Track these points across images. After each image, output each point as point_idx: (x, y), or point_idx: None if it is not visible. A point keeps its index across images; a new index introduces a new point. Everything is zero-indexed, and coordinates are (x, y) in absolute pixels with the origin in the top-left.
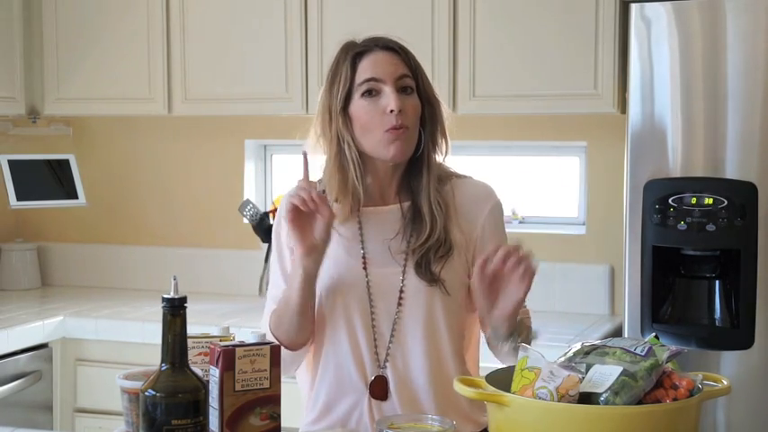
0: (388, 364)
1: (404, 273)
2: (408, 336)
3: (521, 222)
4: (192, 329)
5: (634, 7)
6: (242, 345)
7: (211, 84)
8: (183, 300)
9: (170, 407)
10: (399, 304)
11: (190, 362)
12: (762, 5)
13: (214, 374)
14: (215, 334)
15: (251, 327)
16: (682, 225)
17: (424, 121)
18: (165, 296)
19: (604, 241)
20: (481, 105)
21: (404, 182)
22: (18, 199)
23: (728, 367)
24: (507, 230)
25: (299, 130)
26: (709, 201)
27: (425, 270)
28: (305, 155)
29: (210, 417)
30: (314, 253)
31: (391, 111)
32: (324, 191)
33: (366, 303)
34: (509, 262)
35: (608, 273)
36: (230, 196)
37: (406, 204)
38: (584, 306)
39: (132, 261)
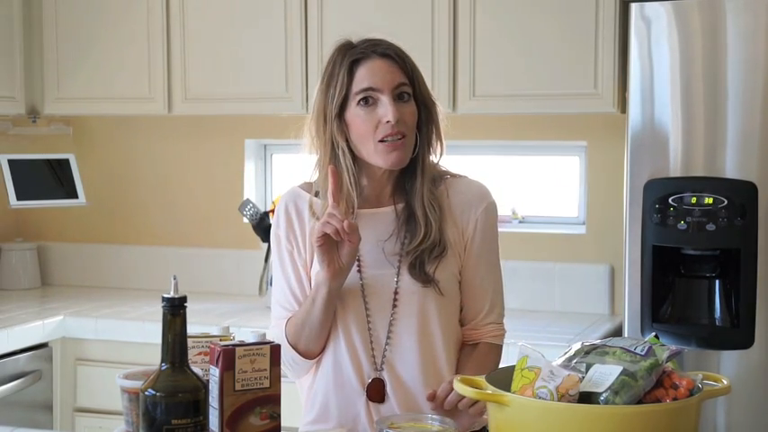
0: (384, 367)
1: (398, 274)
2: (404, 337)
3: (521, 222)
4: (191, 329)
5: (634, 7)
6: (242, 344)
7: (211, 83)
8: (183, 299)
9: (170, 406)
10: (394, 306)
11: (190, 361)
12: (762, 5)
13: (214, 374)
14: (215, 333)
15: (251, 326)
16: (682, 225)
17: (420, 124)
18: (165, 296)
19: (604, 241)
20: (481, 105)
21: (399, 184)
22: (18, 198)
23: (728, 367)
24: (508, 230)
25: (294, 128)
26: (709, 200)
27: (419, 271)
28: (333, 170)
29: (210, 416)
30: (340, 276)
31: (388, 122)
32: (318, 192)
33: (361, 305)
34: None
35: (608, 272)
36: (230, 196)
37: (401, 206)
38: (584, 306)
39: (132, 261)
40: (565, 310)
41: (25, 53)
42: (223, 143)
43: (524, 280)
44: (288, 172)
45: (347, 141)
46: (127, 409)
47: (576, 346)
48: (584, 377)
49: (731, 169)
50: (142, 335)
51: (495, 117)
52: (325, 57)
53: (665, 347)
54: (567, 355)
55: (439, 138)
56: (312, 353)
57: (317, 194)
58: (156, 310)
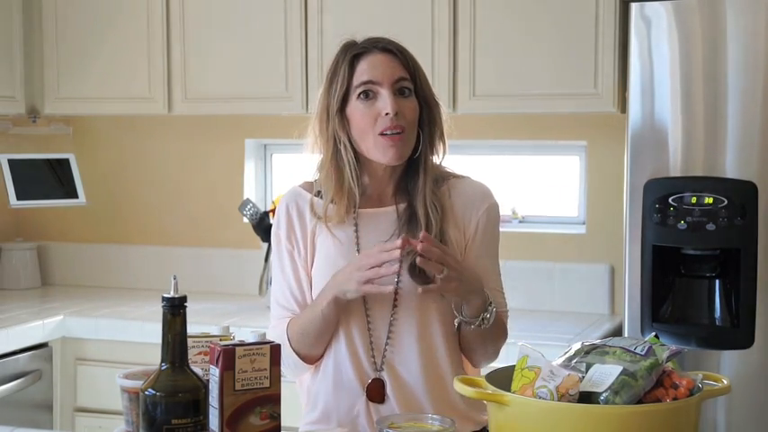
0: (384, 367)
1: (398, 275)
2: (404, 338)
3: (521, 222)
4: (191, 329)
5: (634, 7)
6: (242, 344)
7: (211, 83)
8: (183, 299)
9: (170, 406)
10: (394, 306)
11: (190, 361)
12: (762, 5)
13: (214, 374)
14: (215, 333)
15: (251, 326)
16: (682, 224)
17: (422, 123)
18: (165, 295)
19: (604, 241)
20: (481, 105)
21: (401, 183)
22: (18, 198)
23: (728, 367)
24: (508, 230)
25: (297, 128)
26: (709, 200)
27: (419, 273)
28: (404, 240)
29: (210, 416)
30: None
31: (387, 114)
32: (319, 192)
33: (361, 306)
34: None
35: (608, 272)
36: (230, 196)
37: (402, 206)
38: (584, 306)
39: (132, 261)
40: (565, 309)
41: (25, 53)
42: (223, 143)
43: (524, 280)
44: (288, 172)
45: (349, 137)
46: (127, 409)
47: (576, 345)
48: (584, 377)
49: (731, 169)
50: (142, 335)
51: (495, 117)
52: (325, 57)
53: (665, 347)
54: (567, 355)
55: (441, 138)
56: (314, 357)
57: (317, 194)
58: (156, 310)
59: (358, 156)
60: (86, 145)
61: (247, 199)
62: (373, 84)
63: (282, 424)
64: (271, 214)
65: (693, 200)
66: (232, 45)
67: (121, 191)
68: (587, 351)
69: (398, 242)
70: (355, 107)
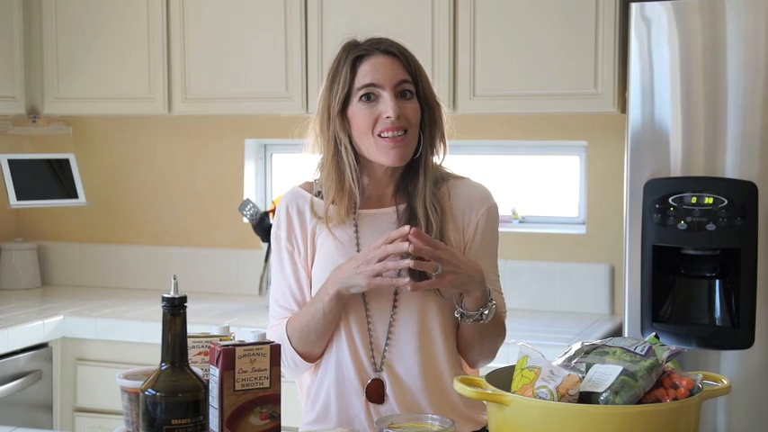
0: (383, 368)
1: (398, 275)
2: (403, 338)
3: (521, 222)
4: (191, 329)
5: (634, 7)
6: (242, 344)
7: (211, 83)
8: (183, 299)
9: (170, 406)
10: (394, 306)
11: (190, 361)
12: (762, 5)
13: (214, 374)
14: (215, 333)
15: (251, 326)
16: (682, 225)
17: (423, 124)
18: (165, 295)
19: (604, 241)
20: (481, 105)
21: (401, 184)
22: (18, 198)
23: (728, 367)
24: (508, 230)
25: (297, 128)
26: (709, 200)
27: (419, 273)
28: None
29: (210, 416)
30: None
31: (388, 117)
32: (319, 192)
33: (361, 306)
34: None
35: (608, 272)
36: (230, 196)
37: (402, 207)
38: (584, 306)
39: (132, 261)
40: (565, 310)
41: (25, 53)
42: (223, 143)
43: (524, 280)
44: (288, 172)
45: (350, 138)
46: (127, 409)
47: (576, 345)
48: (584, 377)
49: (731, 169)
50: (142, 335)
51: (495, 117)
52: (325, 57)
53: (665, 347)
54: (567, 355)
55: (442, 139)
56: (314, 355)
57: (318, 194)
58: (156, 310)
59: (358, 157)
60: (86, 145)
61: (247, 199)
62: (375, 87)
63: (282, 424)
64: (271, 214)
65: (693, 200)
66: (232, 45)
67: (121, 191)
68: (587, 351)
69: (405, 229)
70: (356, 109)
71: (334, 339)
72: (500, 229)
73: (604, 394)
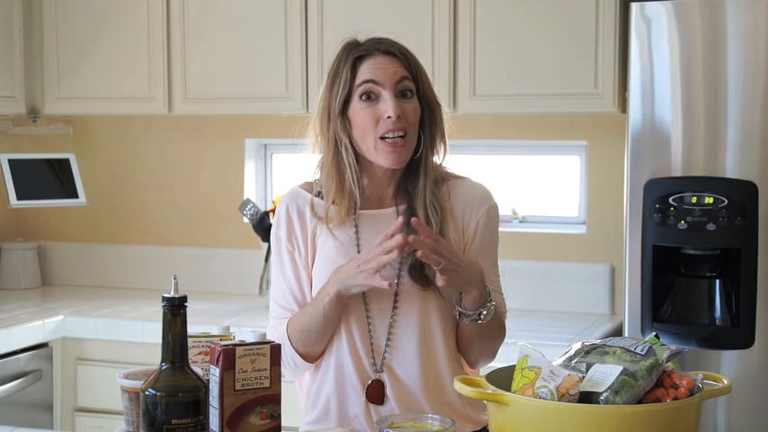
0: (383, 368)
1: (398, 276)
2: (404, 339)
3: (521, 222)
4: (192, 329)
5: (634, 6)
6: (242, 344)
7: (212, 83)
8: (184, 299)
9: (170, 406)
10: (395, 307)
11: (190, 361)
12: (762, 5)
13: (214, 374)
14: (215, 333)
15: (251, 326)
16: (682, 224)
17: (423, 124)
18: (166, 295)
19: (604, 241)
20: (481, 105)
21: (402, 185)
22: (18, 198)
23: (728, 367)
24: (508, 230)
25: (297, 128)
26: (709, 200)
27: (419, 274)
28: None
29: (211, 416)
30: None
31: (389, 117)
32: (319, 192)
33: (362, 307)
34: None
35: (608, 272)
36: (230, 196)
37: (402, 207)
38: (584, 306)
39: (132, 261)
40: (565, 309)
41: (25, 53)
42: (223, 143)
43: (524, 280)
44: (288, 172)
45: (350, 139)
46: (127, 409)
47: (577, 345)
48: (584, 377)
49: (731, 169)
50: (142, 335)
51: (495, 117)
52: (325, 57)
53: (665, 347)
54: (567, 355)
55: (442, 139)
56: (314, 355)
57: (318, 194)
58: (157, 310)
59: (359, 157)
60: (86, 145)
61: (247, 199)
62: (375, 84)
63: (282, 424)
64: (271, 214)
65: (694, 200)
66: (232, 45)
67: (121, 191)
68: (587, 351)
69: (400, 221)
70: (357, 109)
71: (335, 340)
72: (500, 229)
73: (604, 394)
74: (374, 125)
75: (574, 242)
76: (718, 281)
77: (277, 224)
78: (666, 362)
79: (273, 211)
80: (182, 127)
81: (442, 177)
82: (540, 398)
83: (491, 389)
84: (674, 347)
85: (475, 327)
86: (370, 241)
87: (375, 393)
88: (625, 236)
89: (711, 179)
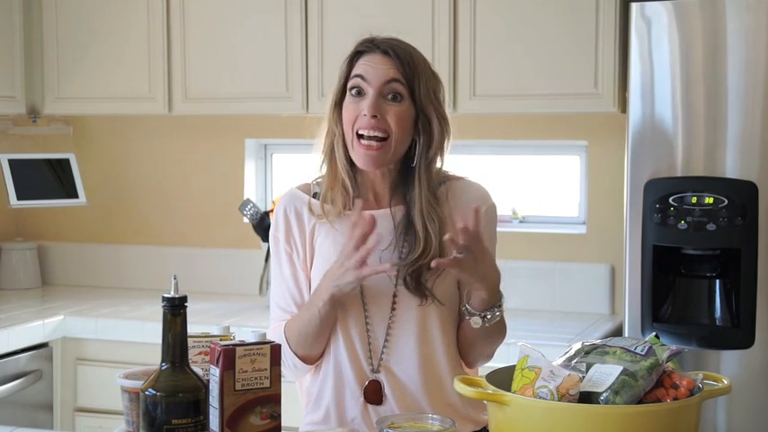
0: (381, 369)
1: (397, 278)
2: (402, 340)
3: (521, 222)
4: (192, 329)
5: (634, 6)
6: (242, 344)
7: (211, 83)
8: (184, 299)
9: (170, 406)
10: (393, 309)
11: (190, 361)
12: (762, 5)
13: (214, 374)
14: (215, 333)
15: (251, 326)
16: (682, 224)
17: (417, 132)
18: (166, 295)
19: (604, 241)
20: (481, 105)
21: (398, 188)
22: (18, 198)
23: (729, 367)
24: (508, 230)
25: (305, 129)
26: (709, 200)
27: (415, 286)
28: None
29: (211, 416)
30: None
31: (365, 114)
32: (316, 194)
33: (360, 307)
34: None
35: (608, 272)
36: (230, 196)
37: (399, 213)
38: (584, 306)
39: (132, 261)
40: (565, 309)
41: (25, 53)
42: (223, 143)
43: (524, 280)
44: (288, 172)
45: (342, 131)
46: (127, 409)
47: (577, 345)
48: (584, 377)
49: (731, 169)
50: (142, 335)
51: (495, 117)
52: (325, 57)
53: (666, 347)
54: (567, 355)
55: (440, 149)
56: (313, 357)
57: (315, 195)
58: (156, 310)
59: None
60: (86, 145)
61: (248, 199)
62: (363, 80)
63: (282, 424)
64: (271, 214)
65: (694, 200)
66: (232, 45)
67: (121, 191)
68: (587, 351)
69: (366, 215)
70: (347, 102)
71: (334, 341)
72: (500, 229)
73: (605, 394)
74: (353, 120)
75: (574, 242)
76: (718, 281)
77: (275, 226)
78: (666, 362)
79: (273, 211)
80: (181, 127)
81: (440, 178)
82: (540, 398)
83: (491, 389)
84: (674, 347)
85: (479, 328)
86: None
87: (373, 394)
88: (625, 236)
89: (711, 179)
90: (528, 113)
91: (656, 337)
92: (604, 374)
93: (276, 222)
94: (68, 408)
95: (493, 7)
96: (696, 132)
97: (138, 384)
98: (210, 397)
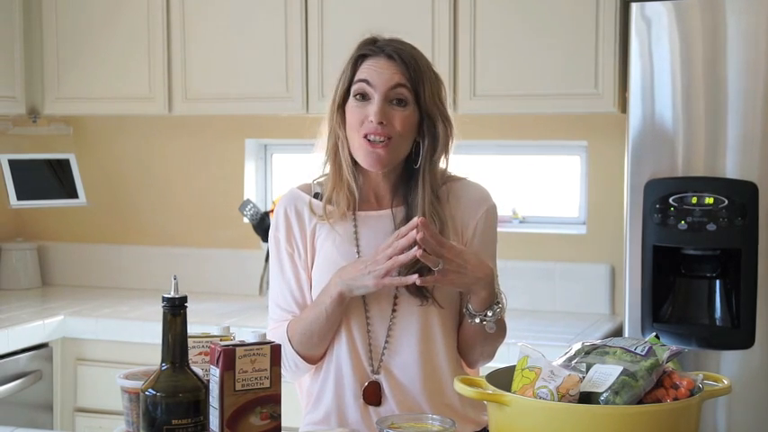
0: (381, 370)
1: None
2: (402, 341)
3: (521, 222)
4: (192, 329)
5: (634, 6)
6: (242, 344)
7: (211, 83)
8: (184, 299)
9: (170, 406)
10: (394, 310)
11: (190, 361)
12: (762, 5)
13: (214, 374)
14: (215, 333)
15: (251, 326)
16: (682, 224)
17: (422, 135)
18: (166, 296)
19: (604, 241)
20: (482, 105)
21: (399, 190)
22: (18, 198)
23: (729, 367)
24: (508, 230)
25: (305, 129)
26: (709, 200)
27: (415, 287)
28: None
29: (211, 416)
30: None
31: (371, 121)
32: (317, 194)
33: (361, 307)
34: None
35: (608, 272)
36: (230, 196)
37: (400, 214)
38: (584, 306)
39: (132, 261)
40: (565, 310)
41: (25, 53)
42: (223, 143)
43: (524, 280)
44: (288, 172)
45: (345, 133)
46: (127, 409)
47: (577, 346)
48: (584, 377)
49: (731, 169)
50: (142, 335)
51: (495, 117)
52: (325, 57)
53: (666, 347)
54: (567, 355)
55: (444, 151)
56: (316, 357)
57: (315, 195)
58: (157, 310)
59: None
60: (86, 145)
61: (248, 199)
62: (368, 84)
63: (283, 424)
64: (271, 214)
65: (694, 200)
66: (232, 45)
67: (121, 191)
68: (587, 351)
69: (414, 221)
70: (350, 106)
71: (335, 342)
72: (500, 229)
73: (605, 394)
74: (359, 124)
75: (574, 242)
76: (718, 281)
77: (275, 226)
78: (667, 362)
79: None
80: (181, 127)
81: (441, 179)
82: (541, 398)
83: (491, 389)
84: (674, 348)
85: (480, 328)
86: (369, 241)
87: (372, 395)
88: (625, 236)
89: (712, 179)
90: (528, 113)
91: (657, 337)
92: (604, 375)
93: (277, 222)
94: (68, 408)
95: (493, 7)
96: (696, 132)
97: (138, 384)
98: (210, 397)
